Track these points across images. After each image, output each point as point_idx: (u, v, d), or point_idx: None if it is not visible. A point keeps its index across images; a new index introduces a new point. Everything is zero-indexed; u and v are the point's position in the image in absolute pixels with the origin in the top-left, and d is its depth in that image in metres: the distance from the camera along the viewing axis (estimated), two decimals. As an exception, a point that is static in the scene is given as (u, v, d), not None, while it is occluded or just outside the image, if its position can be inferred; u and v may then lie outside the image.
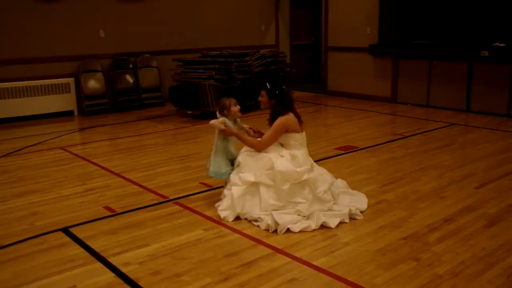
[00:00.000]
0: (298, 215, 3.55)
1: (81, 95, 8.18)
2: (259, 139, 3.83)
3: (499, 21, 7.63)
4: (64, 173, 4.98)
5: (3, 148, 6.07)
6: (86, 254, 3.18)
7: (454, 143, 5.90)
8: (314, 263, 2.99)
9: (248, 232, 3.46)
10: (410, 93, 8.59)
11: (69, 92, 8.10)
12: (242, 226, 3.56)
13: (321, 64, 11.67)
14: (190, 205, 3.99)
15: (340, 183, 4.14)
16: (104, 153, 5.82)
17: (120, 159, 5.49)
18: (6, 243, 3.37)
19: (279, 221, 3.43)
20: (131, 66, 8.72)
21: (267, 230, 3.46)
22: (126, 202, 4.11)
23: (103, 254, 3.16)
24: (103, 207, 4.02)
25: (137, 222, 3.69)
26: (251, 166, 3.69)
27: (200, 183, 4.53)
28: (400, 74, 8.73)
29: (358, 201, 3.88)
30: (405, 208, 3.84)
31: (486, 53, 7.32)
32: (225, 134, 3.84)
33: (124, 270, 2.96)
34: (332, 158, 5.31)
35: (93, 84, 8.27)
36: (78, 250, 3.24)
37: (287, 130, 3.71)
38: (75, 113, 8.22)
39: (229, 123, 3.87)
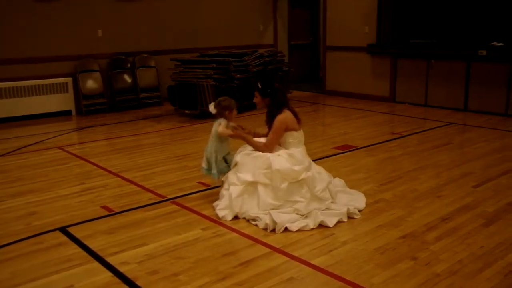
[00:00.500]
0: (296, 214, 3.55)
1: (79, 95, 8.16)
2: (263, 140, 3.83)
3: (496, 20, 7.64)
4: (62, 173, 4.97)
5: (0, 147, 6.06)
6: (84, 253, 3.18)
7: (452, 142, 5.90)
8: (312, 262, 2.99)
9: (246, 231, 3.46)
10: (408, 92, 8.59)
11: (67, 92, 8.09)
12: (240, 225, 3.56)
13: (319, 63, 11.67)
14: (187, 205, 3.99)
15: (338, 182, 4.14)
16: (102, 153, 5.81)
17: (118, 158, 5.49)
18: (3, 243, 3.37)
19: (277, 220, 3.43)
20: (129, 65, 8.71)
21: (265, 229, 3.46)
22: (124, 202, 4.10)
23: (101, 254, 3.16)
24: (101, 206, 4.01)
25: (135, 221, 3.68)
26: (249, 166, 3.68)
27: (198, 182, 4.53)
28: (398, 74, 8.73)
29: (356, 200, 3.88)
30: (403, 207, 3.84)
31: (484, 53, 7.33)
32: (233, 137, 3.86)
33: (121, 269, 2.95)
34: (330, 157, 5.31)
35: (91, 83, 8.26)
36: (76, 249, 3.24)
37: (286, 128, 3.71)
38: (73, 112, 8.20)
39: (228, 124, 3.89)
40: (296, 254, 3.10)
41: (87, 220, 3.73)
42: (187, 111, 7.78)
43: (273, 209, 3.55)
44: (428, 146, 5.69)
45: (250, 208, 3.62)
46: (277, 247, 3.20)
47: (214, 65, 7.59)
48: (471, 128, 6.67)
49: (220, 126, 3.86)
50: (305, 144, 3.87)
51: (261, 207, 3.58)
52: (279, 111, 3.74)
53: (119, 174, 4.89)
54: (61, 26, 7.98)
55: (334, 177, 4.17)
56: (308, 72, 11.94)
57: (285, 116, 3.72)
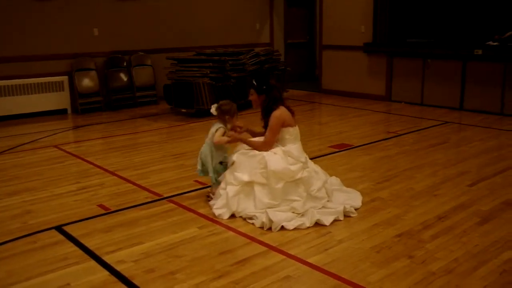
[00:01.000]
0: (293, 212, 3.56)
1: (75, 94, 8.14)
2: (261, 139, 3.82)
3: (492, 20, 7.66)
4: (58, 172, 4.96)
5: (-4, 146, 6.04)
6: (80, 252, 3.17)
7: (447, 141, 5.92)
8: (308, 260, 3.00)
9: (242, 230, 3.46)
10: (404, 91, 8.61)
11: (63, 90, 8.06)
12: (236, 224, 3.56)
13: (315, 62, 11.67)
14: (184, 203, 3.98)
15: (335, 180, 4.14)
16: (98, 151, 5.80)
17: (114, 157, 5.48)
18: (-1, 242, 3.36)
19: (273, 218, 3.43)
20: (125, 64, 8.69)
21: (261, 227, 3.46)
22: (120, 200, 4.10)
23: (97, 252, 3.15)
24: (97, 205, 4.00)
25: (131, 220, 3.68)
26: (245, 165, 3.68)
27: (194, 181, 4.53)
28: (395, 73, 8.75)
29: (353, 199, 3.89)
30: (399, 206, 3.85)
31: (480, 52, 7.35)
32: (231, 142, 3.86)
33: (118, 268, 2.95)
34: (327, 156, 5.32)
35: (87, 82, 8.23)
36: (72, 248, 3.23)
37: (283, 124, 3.71)
38: (69, 111, 8.18)
39: (225, 128, 3.89)
40: (292, 252, 3.10)
41: (83, 218, 3.73)
42: (183, 110, 7.77)
43: (269, 208, 3.55)
44: (424, 145, 5.71)
45: (247, 207, 3.63)
46: (274, 245, 3.21)
47: (211, 64, 7.58)
48: (467, 127, 6.69)
49: (217, 133, 3.84)
50: (301, 142, 3.87)
51: (258, 207, 3.58)
52: (275, 106, 3.74)
53: (115, 172, 4.88)
54: (57, 24, 7.95)
55: (331, 175, 4.17)
56: (304, 71, 11.94)
57: (281, 112, 3.73)
